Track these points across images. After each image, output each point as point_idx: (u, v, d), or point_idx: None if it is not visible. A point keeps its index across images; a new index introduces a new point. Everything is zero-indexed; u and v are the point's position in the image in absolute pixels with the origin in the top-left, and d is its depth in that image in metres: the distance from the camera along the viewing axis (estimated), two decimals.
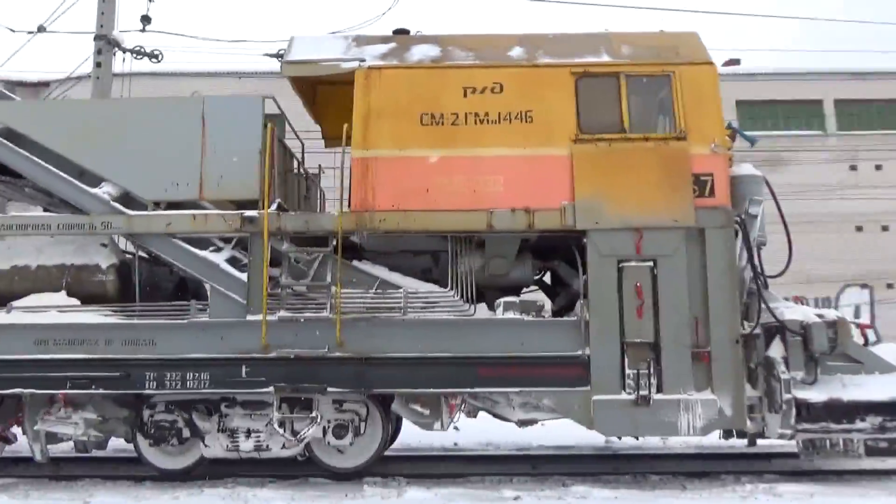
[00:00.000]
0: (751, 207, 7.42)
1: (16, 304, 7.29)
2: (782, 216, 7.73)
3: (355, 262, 7.48)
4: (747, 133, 8.25)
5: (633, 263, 7.08)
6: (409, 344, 7.08)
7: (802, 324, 7.14)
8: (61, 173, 7.33)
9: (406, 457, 9.21)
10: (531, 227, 7.17)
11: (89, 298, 7.36)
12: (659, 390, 6.94)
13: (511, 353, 7.04)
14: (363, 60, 7.59)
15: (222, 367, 7.09)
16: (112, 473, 7.74)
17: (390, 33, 8.23)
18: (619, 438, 9.26)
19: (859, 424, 7.01)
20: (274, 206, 7.29)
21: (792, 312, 7.27)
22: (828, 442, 7.14)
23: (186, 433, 7.32)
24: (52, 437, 7.53)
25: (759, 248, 7.62)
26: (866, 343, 7.87)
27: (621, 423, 6.92)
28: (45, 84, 26.70)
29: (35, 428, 7.26)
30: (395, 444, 9.85)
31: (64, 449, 8.53)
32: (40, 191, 7.76)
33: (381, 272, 7.45)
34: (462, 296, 7.29)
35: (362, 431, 7.29)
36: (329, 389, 7.04)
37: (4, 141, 7.41)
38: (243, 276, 7.21)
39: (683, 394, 6.91)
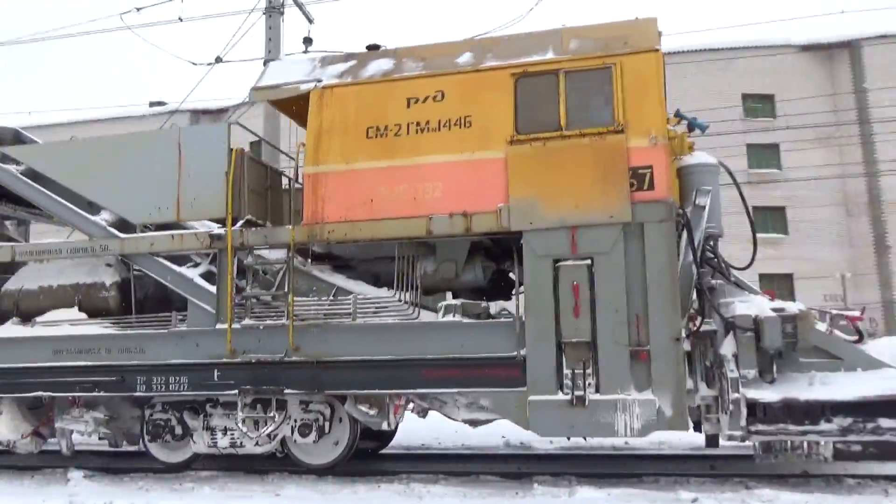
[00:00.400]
0: (698, 198, 7.07)
1: (38, 319, 8.50)
2: (745, 203, 7.31)
3: (314, 272, 7.97)
4: (698, 120, 7.78)
5: (569, 262, 7.00)
6: (359, 347, 7.44)
7: (756, 319, 6.73)
8: (68, 204, 8.44)
9: (576, 455, 9.18)
10: (468, 231, 7.29)
11: (96, 312, 8.42)
12: (598, 390, 6.82)
13: (451, 355, 7.21)
14: (320, 81, 8.06)
15: (198, 371, 7.84)
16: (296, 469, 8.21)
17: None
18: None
19: (823, 426, 6.49)
20: (240, 224, 7.94)
21: (746, 307, 6.85)
22: (789, 444, 6.65)
23: (179, 430, 8.17)
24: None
25: (715, 239, 7.23)
26: (860, 337, 7.20)
27: (557, 423, 6.86)
28: (224, 110, 29.42)
29: (57, 426, 8.43)
30: (565, 444, 9.69)
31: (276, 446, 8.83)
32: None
33: (338, 280, 7.89)
34: (413, 301, 7.54)
35: (327, 431, 7.75)
36: (286, 391, 7.58)
37: (28, 181, 8.65)
38: (213, 289, 7.92)
39: (621, 394, 6.74)
